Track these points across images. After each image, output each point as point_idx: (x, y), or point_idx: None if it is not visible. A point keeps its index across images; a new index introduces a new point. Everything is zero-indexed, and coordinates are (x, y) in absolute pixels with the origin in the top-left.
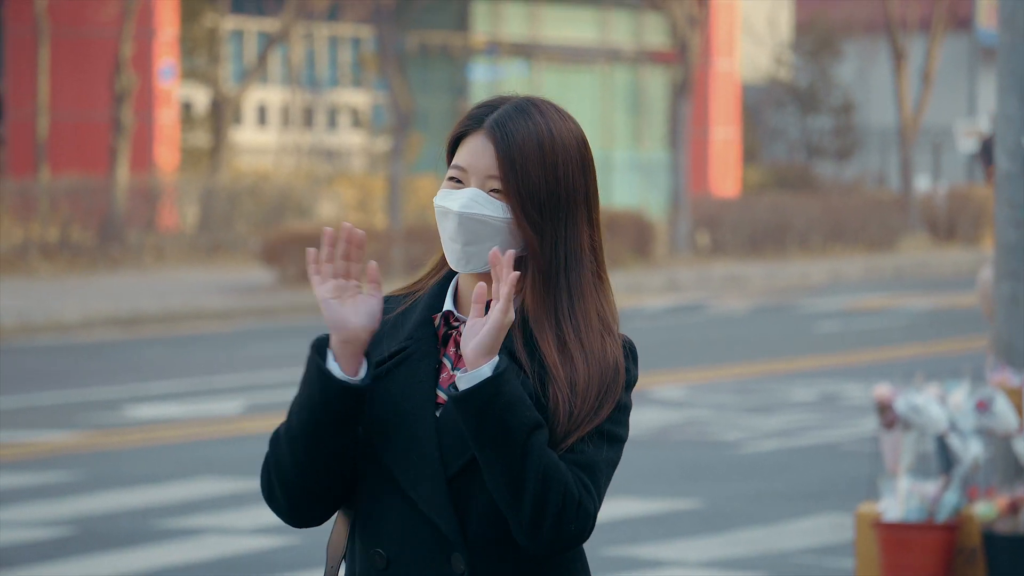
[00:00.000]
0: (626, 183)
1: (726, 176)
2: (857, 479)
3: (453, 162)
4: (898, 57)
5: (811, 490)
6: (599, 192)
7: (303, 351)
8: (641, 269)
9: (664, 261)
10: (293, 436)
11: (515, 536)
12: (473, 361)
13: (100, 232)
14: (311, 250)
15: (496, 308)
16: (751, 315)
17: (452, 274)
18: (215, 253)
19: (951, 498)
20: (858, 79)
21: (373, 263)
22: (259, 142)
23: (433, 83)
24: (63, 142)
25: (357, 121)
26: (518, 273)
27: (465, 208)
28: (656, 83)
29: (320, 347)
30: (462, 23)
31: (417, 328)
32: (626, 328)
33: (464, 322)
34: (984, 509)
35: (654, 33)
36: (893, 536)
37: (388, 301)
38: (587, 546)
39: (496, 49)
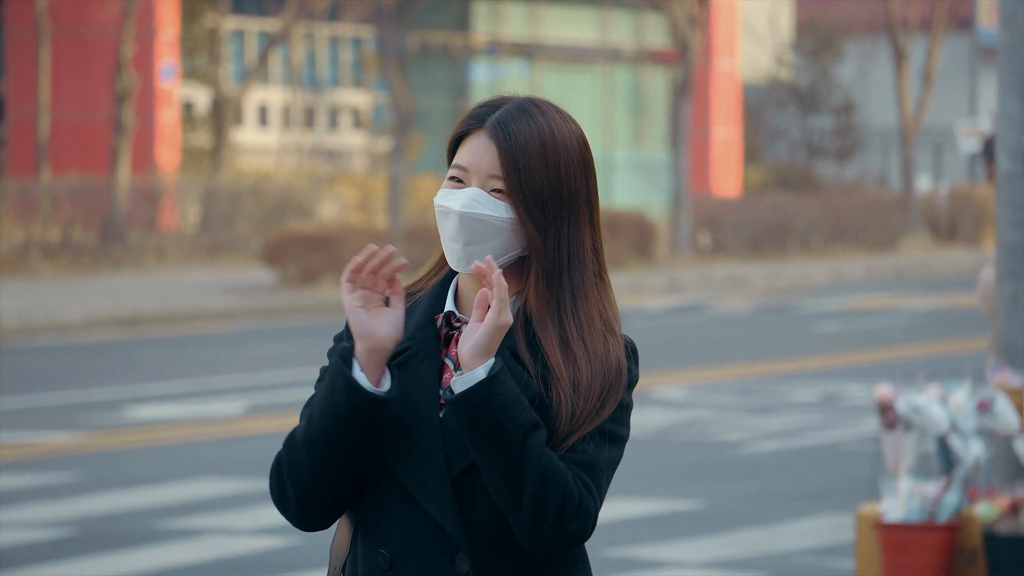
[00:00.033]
0: (627, 183)
1: (727, 176)
2: (858, 480)
3: (454, 162)
4: (899, 57)
5: (812, 491)
6: (599, 193)
7: (304, 351)
8: (642, 269)
9: (665, 261)
10: (312, 440)
11: (516, 537)
12: (469, 363)
13: (101, 232)
14: (357, 259)
15: (490, 310)
16: (752, 315)
17: (452, 274)
18: (216, 253)
19: (952, 499)
20: (859, 79)
21: (398, 275)
22: (260, 142)
23: (434, 83)
24: (64, 142)
25: (358, 121)
26: (501, 278)
27: (467, 208)
28: (657, 83)
29: (346, 356)
30: (463, 23)
31: (419, 329)
32: (627, 328)
33: (466, 323)
34: (985, 510)
35: (655, 33)
36: (894, 537)
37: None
38: (588, 547)
39: (497, 49)
